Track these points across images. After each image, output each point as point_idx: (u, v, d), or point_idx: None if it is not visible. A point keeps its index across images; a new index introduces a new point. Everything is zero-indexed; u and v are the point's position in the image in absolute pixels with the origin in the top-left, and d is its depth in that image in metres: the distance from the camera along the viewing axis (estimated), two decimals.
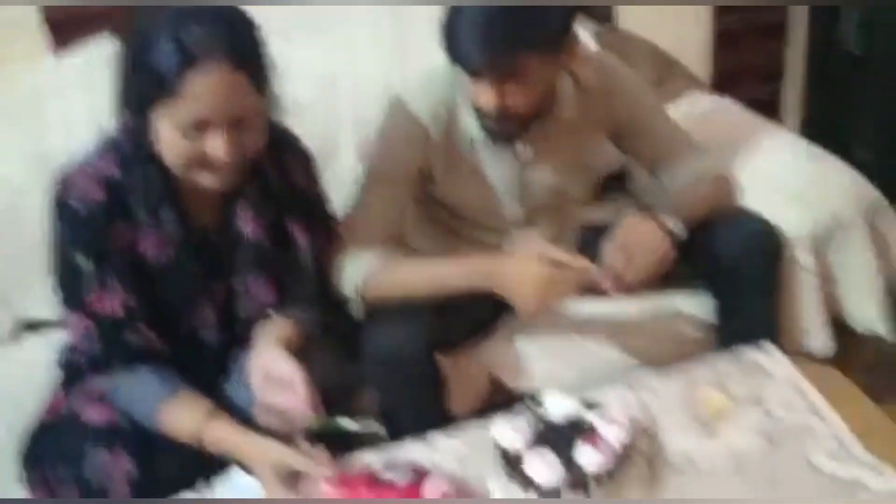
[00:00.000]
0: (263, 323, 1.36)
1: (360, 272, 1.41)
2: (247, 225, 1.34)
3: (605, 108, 1.50)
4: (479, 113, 1.37)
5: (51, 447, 1.31)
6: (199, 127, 1.16)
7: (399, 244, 1.51)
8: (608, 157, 1.65)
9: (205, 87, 1.13)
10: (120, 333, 1.27)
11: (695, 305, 1.61)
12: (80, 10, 1.82)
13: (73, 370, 1.40)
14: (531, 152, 1.47)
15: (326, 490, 1.11)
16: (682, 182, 1.50)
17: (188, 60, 1.12)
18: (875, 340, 1.65)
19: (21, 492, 1.34)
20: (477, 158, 1.47)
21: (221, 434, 1.22)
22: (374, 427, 1.28)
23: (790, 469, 1.11)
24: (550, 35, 1.30)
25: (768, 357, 1.32)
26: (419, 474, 1.11)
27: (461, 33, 1.28)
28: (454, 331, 1.51)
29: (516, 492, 1.08)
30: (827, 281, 1.59)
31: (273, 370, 1.24)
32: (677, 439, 1.18)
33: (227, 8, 1.20)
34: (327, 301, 1.44)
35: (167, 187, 1.28)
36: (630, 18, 2.17)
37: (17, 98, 1.79)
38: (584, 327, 1.59)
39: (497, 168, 1.48)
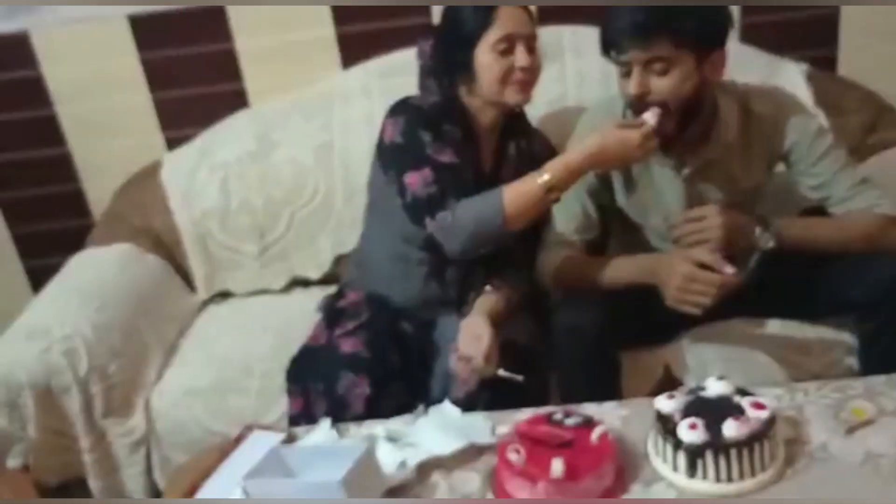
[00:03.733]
0: (481, 296, 1.71)
1: (552, 263, 1.70)
2: (506, 174, 1.71)
3: (773, 137, 1.66)
4: (631, 109, 1.59)
5: (313, 368, 1.71)
6: (508, 45, 1.63)
7: (594, 246, 1.78)
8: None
9: (508, 12, 1.64)
10: (451, 175, 1.63)
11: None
12: (366, 34, 2.26)
13: (333, 312, 1.82)
14: (692, 169, 1.67)
15: (518, 423, 1.39)
16: (843, 212, 1.65)
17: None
18: None
19: (285, 400, 1.75)
20: (647, 170, 1.70)
21: (555, 164, 1.55)
22: (519, 378, 1.54)
23: None
24: (693, 28, 1.49)
25: None
26: (589, 422, 1.37)
27: (610, 24, 1.53)
28: (636, 328, 1.71)
29: (668, 449, 1.31)
30: None
31: (473, 328, 1.59)
32: (820, 433, 1.35)
33: None
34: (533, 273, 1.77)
35: (470, 120, 1.72)
36: (851, 66, 2.27)
37: (312, 98, 2.25)
38: (759, 343, 1.76)
39: (664, 181, 1.70)
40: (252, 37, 2.29)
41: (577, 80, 2.14)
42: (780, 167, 1.75)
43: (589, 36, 2.16)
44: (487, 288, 1.72)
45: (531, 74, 1.67)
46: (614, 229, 1.85)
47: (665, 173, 1.70)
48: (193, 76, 2.33)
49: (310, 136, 2.20)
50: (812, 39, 2.26)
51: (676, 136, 1.61)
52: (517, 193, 1.56)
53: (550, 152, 1.79)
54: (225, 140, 2.25)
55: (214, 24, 2.27)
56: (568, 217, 1.74)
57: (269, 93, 2.32)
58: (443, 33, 1.71)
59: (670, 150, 1.66)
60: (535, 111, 2.06)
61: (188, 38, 2.29)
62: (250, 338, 2.01)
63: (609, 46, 1.56)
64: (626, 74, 1.56)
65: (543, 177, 1.55)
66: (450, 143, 1.66)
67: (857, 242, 1.62)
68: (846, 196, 1.66)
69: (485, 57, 1.64)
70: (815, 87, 2.10)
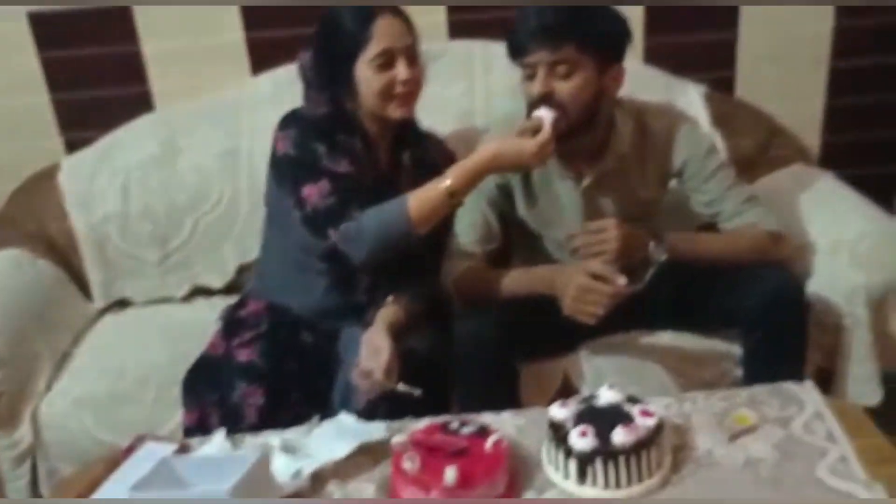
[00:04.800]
0: (382, 307, 1.70)
1: (454, 273, 1.72)
2: (403, 185, 1.69)
3: (666, 152, 1.73)
4: (529, 107, 1.62)
5: (209, 378, 1.68)
6: (387, 59, 1.61)
7: (496, 256, 1.80)
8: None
9: (385, 27, 1.62)
10: (350, 185, 1.62)
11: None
12: (277, 40, 2.25)
13: (233, 322, 1.79)
14: (590, 181, 1.72)
15: (414, 431, 1.39)
16: (731, 227, 1.72)
17: (371, 14, 1.62)
18: None
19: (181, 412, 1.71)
20: (547, 181, 1.75)
21: (455, 170, 1.58)
22: (417, 392, 1.53)
23: (795, 476, 1.30)
24: (596, 35, 1.58)
25: (804, 391, 1.50)
26: (484, 431, 1.38)
27: (519, 26, 1.59)
28: (535, 339, 1.73)
29: (560, 456, 1.33)
30: (882, 336, 1.74)
31: (374, 342, 1.58)
32: (705, 440, 1.39)
33: None
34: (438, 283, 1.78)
35: (363, 141, 1.70)
36: (747, 88, 2.37)
37: (220, 104, 2.22)
38: (654, 354, 1.80)
39: (564, 193, 1.74)
40: (159, 39, 2.25)
41: (485, 95, 2.17)
42: (676, 183, 1.80)
43: (498, 51, 2.20)
44: (389, 299, 1.72)
45: (413, 86, 1.66)
46: (516, 239, 1.88)
47: (564, 185, 1.74)
48: (96, 77, 2.27)
49: (216, 142, 2.17)
50: (711, 62, 2.35)
51: (573, 145, 1.65)
52: (421, 199, 1.58)
53: (447, 156, 1.82)
54: (128, 144, 2.20)
55: (119, 24, 2.23)
56: (469, 227, 1.76)
57: (176, 97, 2.28)
58: (321, 47, 1.68)
59: (569, 163, 1.71)
60: (444, 126, 2.09)
61: (91, 37, 2.24)
62: (147, 347, 1.96)
63: (517, 48, 1.61)
64: (530, 77, 1.62)
65: (446, 182, 1.57)
66: (344, 153, 1.65)
67: (745, 255, 1.69)
68: (736, 212, 1.73)
69: (364, 72, 1.63)
70: (713, 107, 2.18)
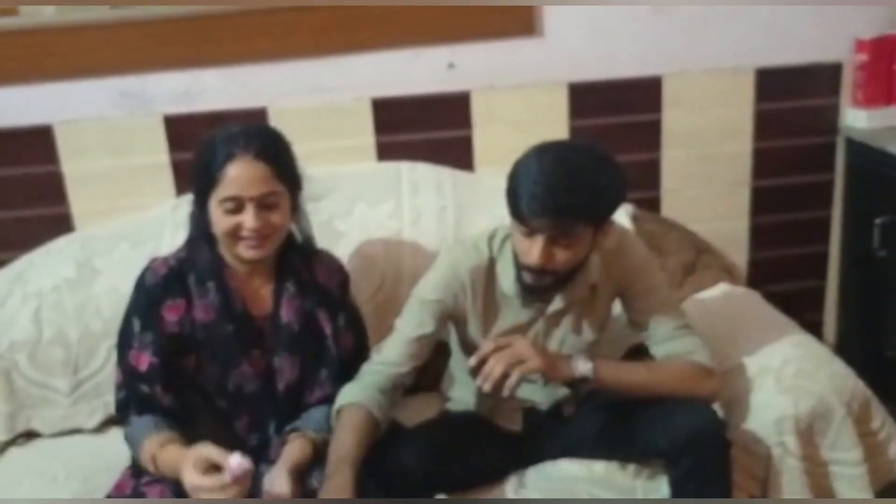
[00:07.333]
0: (286, 444, 1.62)
1: (345, 396, 1.63)
2: (286, 313, 1.66)
3: (618, 269, 1.71)
4: (522, 266, 1.59)
5: None
6: (235, 204, 1.57)
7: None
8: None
9: (236, 173, 1.56)
10: (137, 384, 1.60)
11: None
12: None
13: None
14: (558, 307, 1.69)
15: None
16: (661, 353, 1.69)
17: (228, 157, 1.56)
18: None
19: None
20: (506, 311, 1.70)
21: (166, 456, 1.54)
22: None
23: None
24: (603, 211, 1.55)
25: None
26: None
27: (527, 197, 1.49)
28: (462, 471, 1.68)
29: None
30: (815, 465, 1.71)
31: (275, 487, 1.51)
32: None
33: (266, 127, 1.73)
34: None
35: (216, 265, 1.66)
36: (673, 207, 2.41)
37: (142, 225, 2.17)
38: (585, 485, 1.73)
39: (526, 317, 1.70)
40: (80, 160, 2.21)
41: (413, 217, 2.15)
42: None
43: (425, 172, 2.23)
44: (292, 435, 1.64)
45: (266, 231, 1.60)
46: (454, 348, 1.84)
47: (527, 312, 1.71)
48: (13, 198, 2.21)
49: (135, 265, 2.03)
50: (637, 182, 2.38)
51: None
52: (144, 455, 1.58)
53: (339, 278, 1.78)
54: (43, 266, 2.12)
55: (39, 144, 2.19)
56: (405, 343, 1.68)
57: (98, 218, 2.23)
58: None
59: (538, 292, 1.66)
60: (371, 247, 2.08)
61: (9, 158, 2.19)
62: (53, 486, 1.82)
63: (520, 216, 1.53)
64: (527, 235, 1.54)
65: (158, 457, 1.56)
66: (160, 329, 1.62)
67: (669, 390, 1.64)
68: (667, 337, 1.69)
69: (214, 212, 1.60)
70: (639, 227, 2.19)
